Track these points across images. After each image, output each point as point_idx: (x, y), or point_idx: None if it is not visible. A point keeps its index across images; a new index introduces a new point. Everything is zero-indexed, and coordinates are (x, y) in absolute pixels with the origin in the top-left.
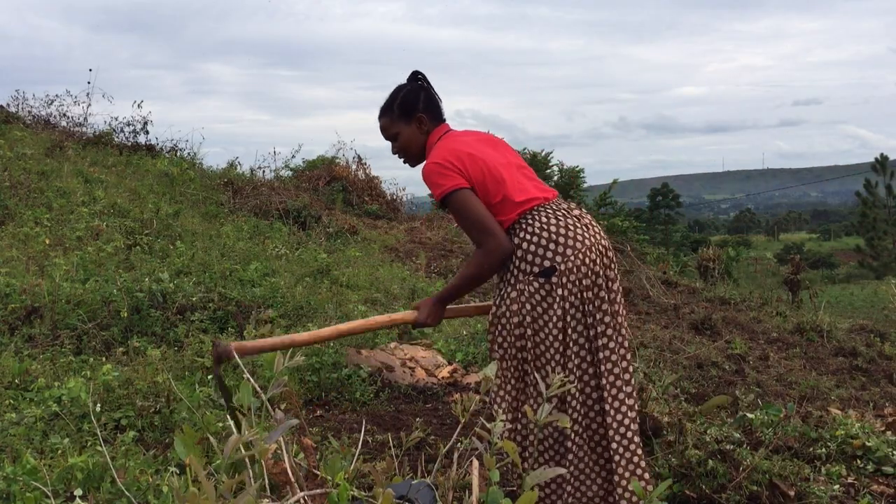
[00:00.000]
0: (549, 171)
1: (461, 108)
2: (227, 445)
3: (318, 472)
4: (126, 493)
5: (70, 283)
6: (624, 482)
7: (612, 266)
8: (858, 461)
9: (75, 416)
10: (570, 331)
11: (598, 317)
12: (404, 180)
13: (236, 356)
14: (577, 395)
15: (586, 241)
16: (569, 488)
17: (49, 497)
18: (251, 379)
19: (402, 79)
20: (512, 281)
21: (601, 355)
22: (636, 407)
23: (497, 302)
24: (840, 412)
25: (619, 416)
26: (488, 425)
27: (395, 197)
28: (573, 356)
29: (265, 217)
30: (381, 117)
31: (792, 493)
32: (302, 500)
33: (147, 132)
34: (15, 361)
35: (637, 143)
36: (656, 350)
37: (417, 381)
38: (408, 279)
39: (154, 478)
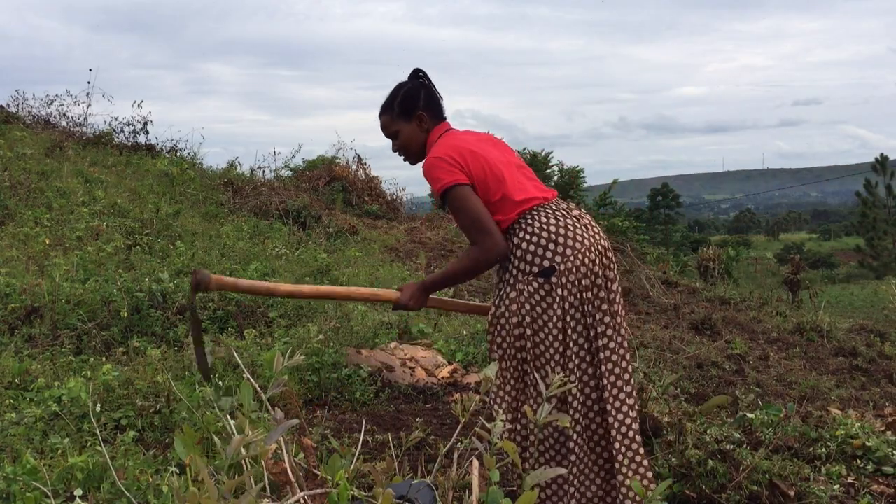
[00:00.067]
0: (549, 171)
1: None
2: (229, 446)
3: (318, 472)
4: (126, 493)
5: (70, 283)
6: (627, 482)
7: (612, 266)
8: (858, 461)
9: (75, 416)
10: (569, 331)
11: (597, 317)
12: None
13: (214, 287)
14: (578, 395)
15: (586, 241)
16: (571, 490)
17: (49, 497)
18: (251, 379)
19: (403, 79)
20: (511, 281)
21: (602, 355)
22: (636, 407)
23: (496, 302)
24: (840, 412)
25: (620, 416)
26: (488, 425)
27: (395, 197)
28: (573, 356)
29: (265, 217)
30: (381, 115)
31: (792, 493)
32: (302, 500)
33: (147, 132)
34: (15, 361)
35: (637, 143)
36: (656, 350)
37: (417, 381)
38: (408, 279)
39: (154, 478)
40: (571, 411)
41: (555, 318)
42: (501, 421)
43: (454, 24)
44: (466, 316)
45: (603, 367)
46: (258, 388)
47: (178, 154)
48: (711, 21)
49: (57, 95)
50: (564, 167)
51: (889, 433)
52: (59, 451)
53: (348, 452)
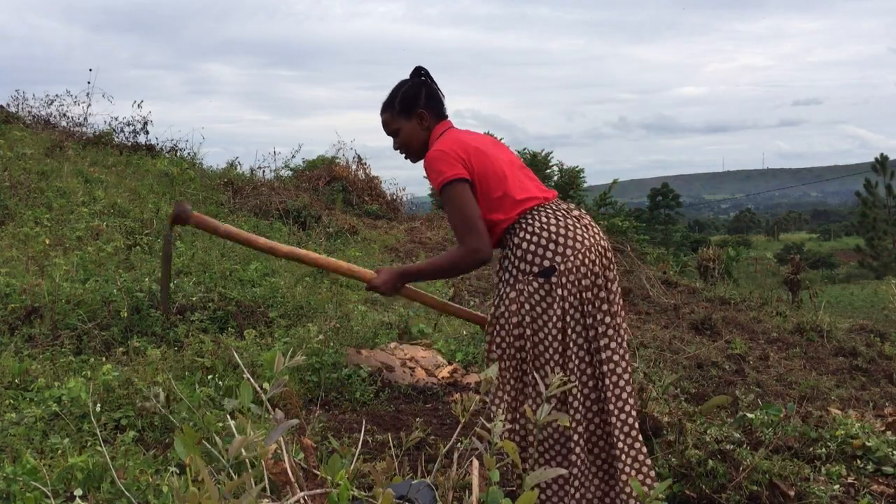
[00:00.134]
0: (549, 171)
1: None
2: (231, 447)
3: (318, 472)
4: (126, 493)
5: (70, 283)
6: (631, 482)
7: (612, 267)
8: (858, 461)
9: (75, 416)
10: (569, 331)
11: (598, 317)
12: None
13: (193, 222)
14: (577, 395)
15: (586, 242)
16: (571, 490)
17: (49, 497)
18: (251, 379)
19: (402, 78)
20: (511, 281)
21: (603, 355)
22: (636, 407)
23: (496, 302)
24: (840, 412)
25: (622, 416)
26: (488, 425)
27: (395, 197)
28: (572, 356)
29: (265, 217)
30: (382, 112)
31: (792, 493)
32: (302, 500)
33: (147, 132)
34: (15, 361)
35: (637, 143)
36: (656, 350)
37: (417, 381)
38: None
39: (154, 478)
40: (572, 411)
41: (555, 318)
42: (501, 421)
43: (454, 24)
44: None
45: (604, 367)
46: (258, 389)
47: (178, 154)
48: (711, 21)
49: (57, 95)
50: (564, 167)
51: (889, 433)
52: (59, 451)
53: (348, 452)
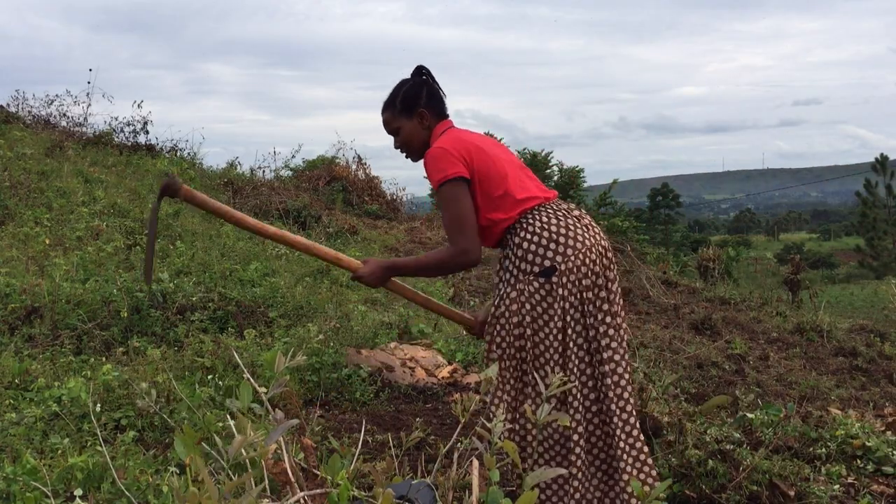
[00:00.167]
0: (549, 171)
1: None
2: (230, 447)
3: (319, 472)
4: (126, 493)
5: (70, 283)
6: (632, 481)
7: (612, 267)
8: (858, 461)
9: (75, 416)
10: (569, 331)
11: (599, 317)
12: (404, 180)
13: (182, 196)
14: (577, 395)
15: (586, 242)
16: (571, 490)
17: (49, 497)
18: (251, 379)
19: (402, 78)
20: (512, 281)
21: (605, 355)
22: (637, 407)
23: (496, 302)
24: (840, 412)
25: (623, 416)
26: (488, 425)
27: (395, 197)
28: (573, 356)
29: (265, 217)
30: (383, 111)
31: (792, 493)
32: (302, 500)
33: (147, 132)
34: (15, 361)
35: (637, 143)
36: (656, 350)
37: (417, 381)
38: (407, 279)
39: (154, 478)
40: (571, 411)
41: (556, 318)
42: (501, 421)
43: (454, 24)
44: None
45: (605, 367)
46: (258, 389)
47: (178, 154)
48: (711, 21)
49: (57, 95)
50: (564, 167)
51: (889, 433)
52: (59, 451)
53: (348, 452)
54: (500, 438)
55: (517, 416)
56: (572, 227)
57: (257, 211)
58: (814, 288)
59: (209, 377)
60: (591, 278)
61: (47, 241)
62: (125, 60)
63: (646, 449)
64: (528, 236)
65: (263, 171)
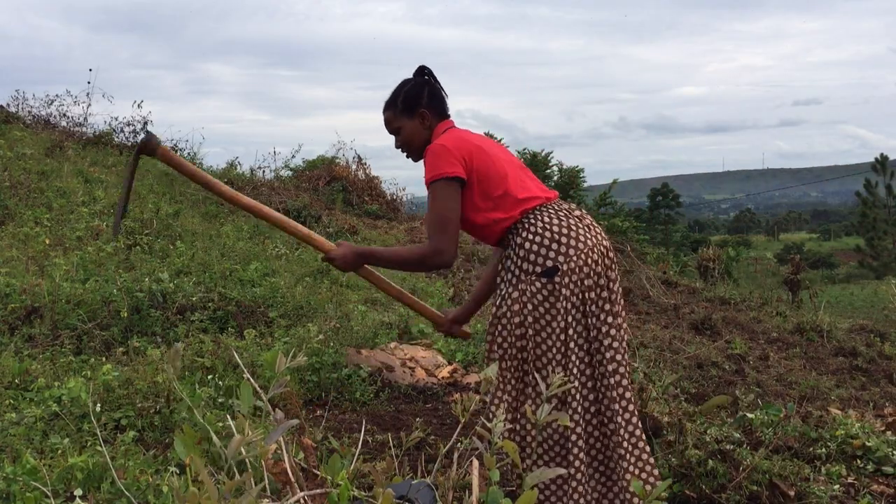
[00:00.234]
0: (549, 171)
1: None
2: (229, 447)
3: (319, 472)
4: (126, 493)
5: (70, 283)
6: (640, 482)
7: (614, 267)
8: (858, 461)
9: (75, 416)
10: (570, 331)
11: (601, 317)
12: (404, 180)
13: (159, 155)
14: (577, 395)
15: (588, 242)
16: (569, 490)
17: (49, 497)
18: (251, 379)
19: (402, 78)
20: (514, 281)
21: (607, 355)
22: (638, 406)
23: (498, 302)
24: (840, 412)
25: (625, 415)
26: (489, 425)
27: (395, 197)
28: (574, 357)
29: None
30: (384, 111)
31: (792, 493)
32: (302, 500)
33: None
34: (15, 361)
35: (637, 143)
36: (656, 350)
37: (417, 381)
38: (407, 279)
39: (154, 478)
40: (570, 411)
41: (558, 318)
42: (501, 421)
43: (454, 24)
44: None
45: (608, 367)
46: (258, 389)
47: (178, 154)
48: (711, 21)
49: (57, 95)
50: (564, 167)
51: (889, 433)
52: (59, 451)
53: (348, 452)
54: (500, 438)
55: (518, 416)
56: (574, 228)
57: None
58: (814, 288)
59: (209, 377)
60: (594, 278)
61: (47, 241)
62: (125, 60)
63: (648, 449)
64: (531, 236)
65: (263, 171)
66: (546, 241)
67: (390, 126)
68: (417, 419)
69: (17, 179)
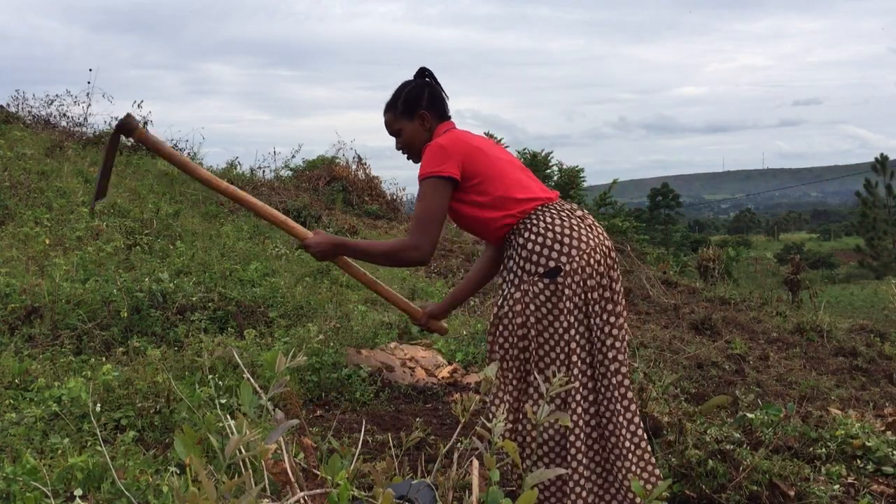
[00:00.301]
0: (549, 171)
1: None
2: (227, 446)
3: (319, 472)
4: (126, 493)
5: (70, 283)
6: (642, 482)
7: (616, 267)
8: (858, 461)
9: (75, 416)
10: (573, 331)
11: (603, 317)
12: (404, 180)
13: (136, 137)
14: (577, 395)
15: (591, 242)
16: (568, 490)
17: (49, 497)
18: (251, 379)
19: (402, 79)
20: (516, 282)
21: (609, 355)
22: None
23: (500, 303)
24: (840, 412)
25: (628, 415)
26: (489, 425)
27: (395, 197)
28: (575, 357)
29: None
30: (385, 113)
31: (792, 493)
32: (302, 500)
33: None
34: (15, 361)
35: (637, 143)
36: (656, 350)
37: (417, 381)
38: (408, 279)
39: (154, 478)
40: (571, 412)
41: (560, 319)
42: (502, 421)
43: (454, 24)
44: (466, 315)
45: (610, 367)
46: (258, 389)
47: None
48: (711, 21)
49: (57, 95)
50: (564, 167)
51: (889, 433)
52: (59, 451)
53: (348, 452)
54: (500, 438)
55: (520, 416)
56: (576, 228)
57: None
58: (814, 288)
59: (209, 377)
60: (596, 279)
61: (47, 241)
62: (125, 60)
63: (649, 448)
64: (533, 237)
65: (263, 171)
66: (548, 242)
67: (391, 128)
68: (417, 419)
69: (17, 179)
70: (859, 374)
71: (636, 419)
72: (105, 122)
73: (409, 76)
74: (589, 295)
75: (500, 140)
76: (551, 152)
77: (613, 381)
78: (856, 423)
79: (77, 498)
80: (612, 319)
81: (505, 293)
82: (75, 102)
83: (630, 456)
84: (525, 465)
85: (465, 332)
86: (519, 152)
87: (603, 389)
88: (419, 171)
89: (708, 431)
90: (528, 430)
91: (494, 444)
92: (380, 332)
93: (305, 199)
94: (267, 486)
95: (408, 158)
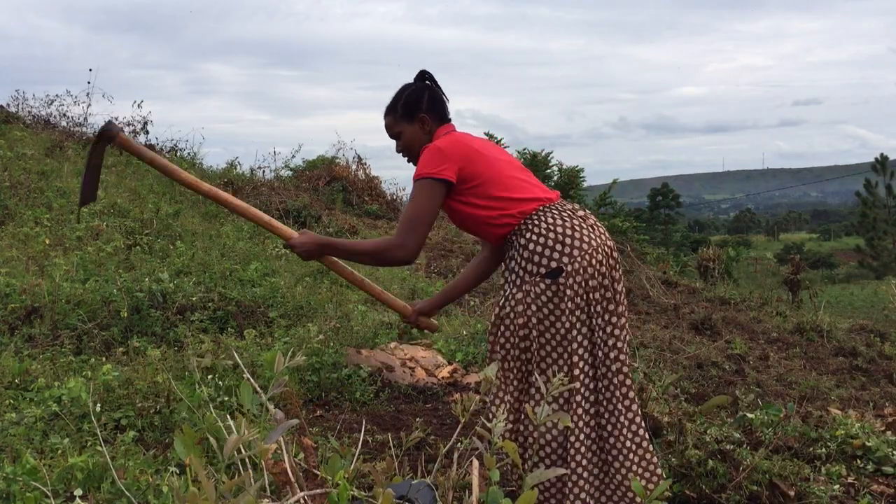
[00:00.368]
0: (549, 171)
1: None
2: (226, 446)
3: (318, 472)
4: (126, 493)
5: (70, 283)
6: (644, 482)
7: (618, 267)
8: (858, 461)
9: (75, 416)
10: (574, 332)
11: (605, 318)
12: (404, 180)
13: (118, 143)
14: (578, 396)
15: (593, 242)
16: (566, 491)
17: (49, 497)
18: (251, 379)
19: (401, 79)
20: (518, 282)
21: (611, 355)
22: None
23: (501, 303)
24: (840, 412)
25: (629, 414)
26: (489, 425)
27: (395, 197)
28: (577, 358)
29: None
30: (385, 116)
31: (792, 493)
32: (302, 500)
33: (147, 132)
34: (15, 361)
35: (637, 143)
36: (656, 350)
37: (417, 381)
38: (408, 279)
39: (154, 478)
40: (573, 412)
41: (562, 319)
42: (502, 421)
43: (454, 24)
44: (466, 316)
45: (612, 367)
46: (258, 389)
47: (178, 154)
48: (711, 21)
49: (57, 95)
50: (564, 167)
51: (889, 433)
52: (59, 451)
53: (348, 452)
54: (500, 438)
55: (520, 416)
56: (578, 228)
57: None
58: (814, 288)
59: (209, 377)
60: (598, 279)
61: (47, 241)
62: (125, 60)
63: (651, 448)
64: (534, 237)
65: (263, 171)
66: (550, 242)
67: (391, 131)
68: (417, 419)
69: (17, 179)
70: (859, 374)
71: (637, 419)
72: (105, 122)
73: (409, 76)
74: (591, 295)
75: (500, 140)
76: (551, 152)
77: (615, 380)
78: (856, 423)
79: (77, 498)
80: (614, 319)
81: (507, 294)
82: (75, 102)
83: (631, 455)
84: (526, 466)
85: (465, 332)
86: (519, 152)
87: (604, 389)
88: (415, 172)
89: (708, 431)
90: (529, 430)
91: (494, 445)
92: (380, 332)
93: (305, 199)
94: (267, 486)
95: (408, 161)
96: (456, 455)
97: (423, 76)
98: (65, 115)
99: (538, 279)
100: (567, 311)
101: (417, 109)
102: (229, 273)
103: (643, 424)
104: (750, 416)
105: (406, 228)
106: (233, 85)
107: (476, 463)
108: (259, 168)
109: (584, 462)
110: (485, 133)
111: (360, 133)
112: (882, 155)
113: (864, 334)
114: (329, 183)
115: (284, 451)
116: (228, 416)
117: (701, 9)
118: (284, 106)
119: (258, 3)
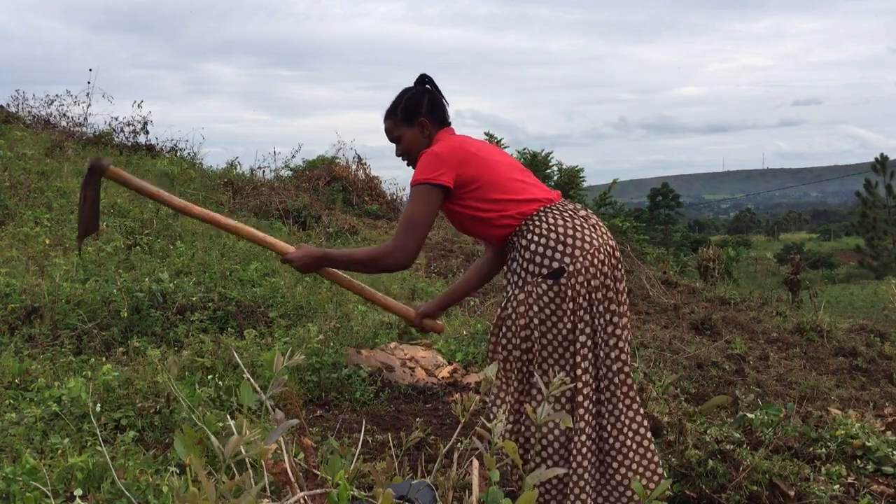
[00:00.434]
0: (548, 171)
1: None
2: (227, 446)
3: (318, 472)
4: (126, 493)
5: (70, 283)
6: (645, 481)
7: (620, 266)
8: (858, 461)
9: (75, 416)
10: (577, 332)
11: (607, 317)
12: (404, 180)
13: (109, 175)
14: (580, 396)
15: (594, 242)
16: (567, 492)
17: (49, 497)
18: (251, 379)
19: (402, 79)
20: (520, 283)
21: (613, 355)
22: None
23: (503, 304)
24: (840, 412)
25: (630, 414)
26: (489, 425)
27: (395, 197)
28: (579, 358)
29: (265, 217)
30: (385, 119)
31: (792, 493)
32: (302, 500)
33: (147, 132)
34: (15, 361)
35: (637, 143)
36: (656, 350)
37: (417, 381)
38: (408, 279)
39: (154, 478)
40: (577, 413)
41: (564, 319)
42: (502, 421)
43: (454, 24)
44: (466, 316)
45: (613, 367)
46: (258, 388)
47: (179, 154)
48: (711, 21)
49: (57, 95)
50: (564, 167)
51: (889, 433)
52: (59, 451)
53: (348, 452)
54: (500, 439)
55: (521, 416)
56: (580, 228)
57: (257, 211)
58: (814, 288)
59: (209, 377)
60: (600, 279)
61: (47, 241)
62: (125, 60)
63: (653, 447)
64: (536, 238)
65: (263, 171)
66: (552, 243)
67: (391, 135)
68: (417, 419)
69: (17, 179)
70: (859, 374)
71: (639, 418)
72: (105, 122)
73: (409, 76)
74: (593, 295)
75: (499, 140)
76: (551, 152)
77: (616, 380)
78: (856, 423)
79: (77, 498)
80: (616, 319)
81: (509, 295)
82: (75, 102)
83: (631, 455)
84: (529, 466)
85: (465, 332)
86: (519, 152)
87: (605, 389)
88: (412, 177)
89: (708, 431)
90: (531, 431)
91: (494, 445)
92: (380, 332)
93: (305, 199)
94: (267, 486)
95: (408, 165)
96: (456, 455)
97: (424, 80)
98: (65, 115)
99: (540, 280)
100: (569, 312)
101: (417, 113)
102: (229, 273)
103: (645, 423)
104: (750, 416)
105: (402, 233)
106: (233, 85)
107: (476, 463)
108: (259, 168)
109: (586, 463)
110: (485, 133)
111: (360, 133)
112: (882, 155)
113: (864, 334)
114: (329, 183)
115: (284, 451)
116: (228, 417)
117: (701, 9)
118: (284, 106)
119: (258, 3)
